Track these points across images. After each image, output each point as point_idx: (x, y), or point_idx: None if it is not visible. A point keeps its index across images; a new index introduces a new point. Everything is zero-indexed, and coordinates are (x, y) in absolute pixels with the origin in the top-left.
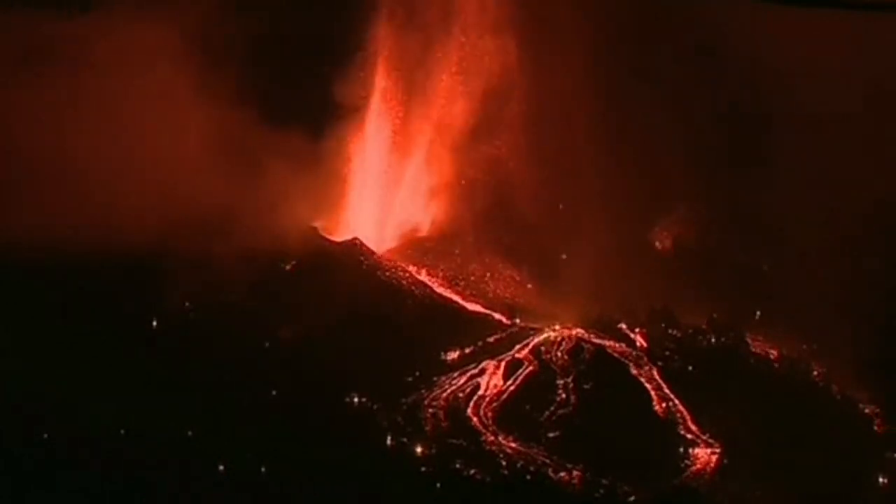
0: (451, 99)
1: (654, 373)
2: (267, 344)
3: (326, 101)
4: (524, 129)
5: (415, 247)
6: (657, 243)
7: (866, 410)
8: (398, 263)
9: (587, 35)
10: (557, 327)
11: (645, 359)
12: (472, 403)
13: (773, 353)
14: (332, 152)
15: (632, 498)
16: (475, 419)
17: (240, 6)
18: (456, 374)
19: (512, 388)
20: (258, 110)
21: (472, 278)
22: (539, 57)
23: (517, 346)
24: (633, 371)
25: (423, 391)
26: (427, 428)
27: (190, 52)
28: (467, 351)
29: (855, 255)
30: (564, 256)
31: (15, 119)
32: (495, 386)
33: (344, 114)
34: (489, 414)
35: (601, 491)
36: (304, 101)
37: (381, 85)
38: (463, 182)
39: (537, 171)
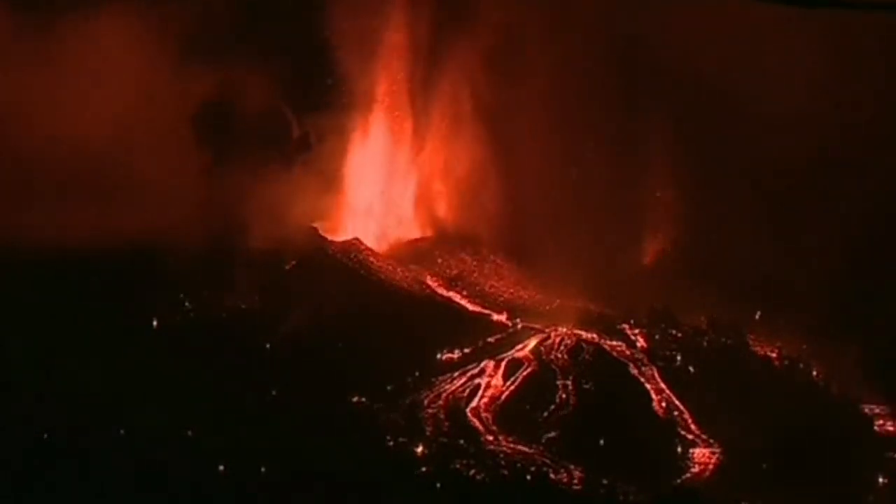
0: (450, 101)
1: (654, 373)
2: (267, 344)
3: (326, 103)
4: (525, 131)
5: (415, 247)
6: (657, 244)
7: (866, 410)
8: (398, 263)
9: (584, 42)
10: (557, 327)
11: (645, 359)
12: (472, 403)
13: (773, 353)
14: (331, 153)
15: (632, 498)
16: (475, 419)
17: (241, 7)
18: (456, 374)
19: (512, 388)
20: (258, 111)
21: (472, 278)
22: (539, 62)
23: (517, 346)
24: (633, 371)
25: (423, 391)
26: (427, 428)
27: (189, 53)
28: (467, 351)
29: (855, 255)
30: (564, 257)
31: (13, 119)
32: (495, 386)
33: (344, 115)
34: (489, 414)
35: (601, 491)
36: (303, 102)
37: (380, 87)
38: (463, 183)
39: (538, 172)
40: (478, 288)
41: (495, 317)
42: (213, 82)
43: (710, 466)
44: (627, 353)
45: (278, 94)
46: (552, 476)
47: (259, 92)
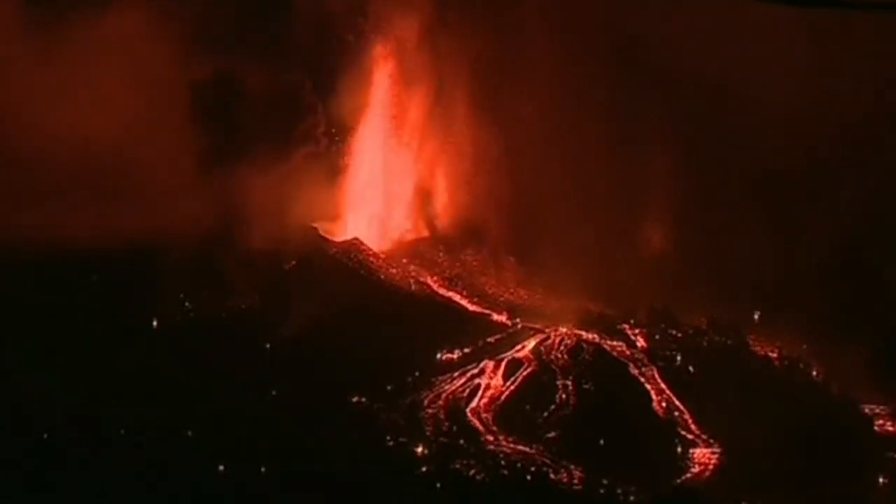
0: (450, 101)
1: (654, 373)
2: (267, 344)
3: (326, 102)
4: (524, 132)
5: (414, 247)
6: (657, 244)
7: (866, 410)
8: (398, 263)
9: (585, 41)
10: (557, 327)
11: (645, 359)
12: (472, 403)
13: (774, 354)
14: (331, 153)
15: (632, 498)
16: (475, 419)
17: (241, 6)
18: (456, 374)
19: (512, 388)
20: (258, 111)
21: (472, 278)
22: (536, 61)
23: (517, 346)
24: (633, 371)
25: (423, 391)
26: (427, 428)
27: (190, 54)
28: (467, 351)
29: (855, 255)
30: (564, 257)
31: (13, 119)
32: (495, 386)
33: (344, 115)
34: (489, 414)
35: (601, 491)
36: (303, 101)
37: (380, 87)
38: (463, 183)
39: (537, 172)
40: (478, 288)
41: (495, 317)
42: (213, 82)
43: (710, 466)
44: (627, 353)
45: (280, 94)
46: (552, 476)
47: (260, 91)
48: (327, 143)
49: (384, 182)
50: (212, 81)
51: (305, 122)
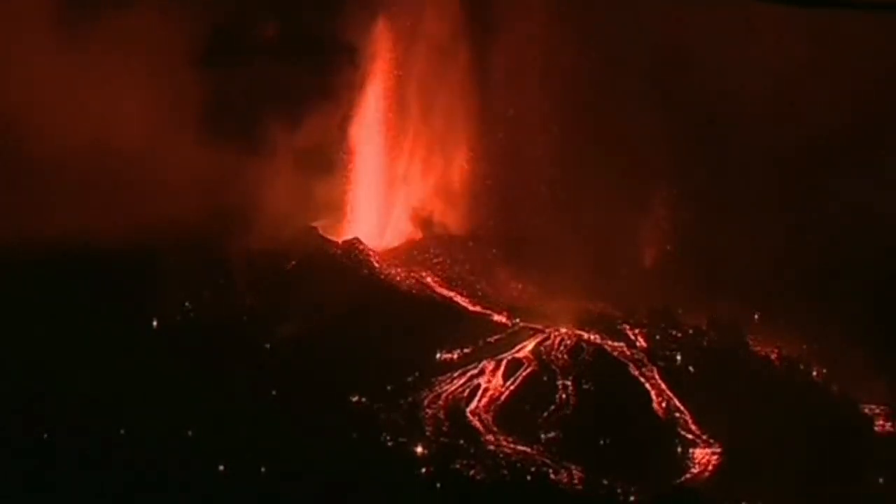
0: (450, 100)
1: (655, 373)
2: (267, 344)
3: (327, 101)
4: (524, 131)
5: (415, 247)
6: (658, 244)
7: (866, 410)
8: (398, 263)
9: (582, 41)
10: (557, 327)
11: (645, 359)
12: (471, 403)
13: (773, 354)
14: (332, 152)
15: (632, 498)
16: (475, 419)
17: (243, 6)
18: (456, 374)
19: (512, 388)
20: (258, 110)
21: (472, 278)
22: (538, 62)
23: (517, 346)
24: (633, 371)
25: (423, 391)
26: (427, 428)
27: (191, 52)
28: (467, 351)
29: (854, 255)
30: (563, 256)
31: (14, 116)
32: (495, 386)
33: (345, 114)
34: (489, 414)
35: (601, 491)
36: (304, 101)
37: (381, 86)
38: (463, 183)
39: (537, 171)
40: (478, 288)
41: (495, 317)
42: (214, 83)
43: (710, 466)
44: (627, 353)
45: (277, 94)
46: (552, 476)
47: (259, 91)
48: (337, 138)
49: (386, 182)
50: (213, 81)
51: (319, 116)
